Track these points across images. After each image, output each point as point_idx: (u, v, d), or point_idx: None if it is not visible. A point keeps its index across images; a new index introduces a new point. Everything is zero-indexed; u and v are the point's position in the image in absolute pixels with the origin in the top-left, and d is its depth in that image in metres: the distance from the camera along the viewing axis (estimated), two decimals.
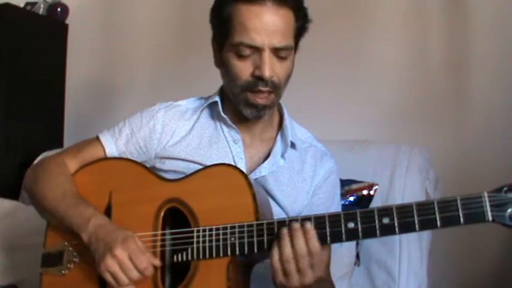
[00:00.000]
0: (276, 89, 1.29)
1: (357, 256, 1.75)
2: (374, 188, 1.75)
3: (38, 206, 1.35)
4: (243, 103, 1.31)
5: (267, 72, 1.25)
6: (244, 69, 1.28)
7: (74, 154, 1.40)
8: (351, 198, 1.73)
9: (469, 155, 2.19)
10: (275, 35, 1.25)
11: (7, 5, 2.54)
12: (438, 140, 2.19)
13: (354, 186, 1.75)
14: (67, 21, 2.80)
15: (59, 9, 2.76)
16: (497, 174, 2.09)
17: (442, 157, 2.06)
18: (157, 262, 1.17)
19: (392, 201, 1.75)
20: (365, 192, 1.74)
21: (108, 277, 1.15)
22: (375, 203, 1.74)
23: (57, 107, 2.75)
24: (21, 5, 2.72)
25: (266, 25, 1.24)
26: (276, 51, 1.27)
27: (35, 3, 2.74)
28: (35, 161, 1.48)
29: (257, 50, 1.26)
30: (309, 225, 1.09)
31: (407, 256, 1.72)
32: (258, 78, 1.27)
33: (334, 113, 2.33)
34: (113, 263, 1.14)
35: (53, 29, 2.75)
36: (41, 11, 2.73)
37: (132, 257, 1.14)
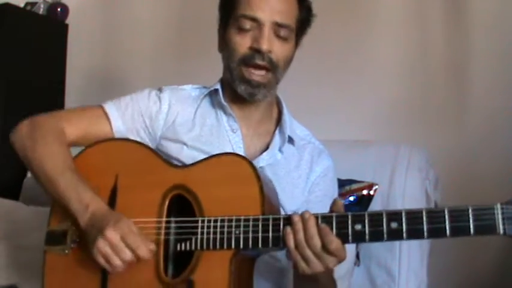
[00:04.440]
0: (274, 67, 1.30)
1: (357, 256, 1.75)
2: (374, 188, 1.75)
3: (32, 170, 1.31)
4: (238, 79, 1.31)
5: (264, 45, 1.27)
6: (243, 42, 1.30)
7: (75, 121, 1.37)
8: (351, 198, 1.73)
9: (469, 155, 2.19)
10: (277, 12, 1.29)
11: (7, 5, 2.53)
12: (438, 140, 2.19)
13: (354, 186, 1.75)
14: (67, 21, 2.80)
15: (59, 9, 2.75)
16: (497, 174, 2.09)
17: (442, 157, 2.06)
18: (152, 246, 1.15)
19: (392, 201, 1.76)
20: (365, 192, 1.74)
21: (101, 260, 1.14)
22: (375, 203, 1.74)
23: (57, 107, 2.74)
24: (21, 5, 2.72)
25: (270, 3, 1.28)
26: (277, 29, 1.29)
27: (35, 3, 2.74)
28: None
29: (258, 25, 1.28)
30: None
31: (407, 256, 1.72)
32: (255, 51, 1.28)
33: (334, 113, 2.33)
34: (104, 244, 1.12)
35: (53, 29, 2.75)
36: (41, 11, 2.73)
37: (124, 237, 1.13)
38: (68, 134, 1.35)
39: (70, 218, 1.24)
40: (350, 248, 1.67)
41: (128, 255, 1.13)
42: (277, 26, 1.29)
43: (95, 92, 2.87)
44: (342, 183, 1.69)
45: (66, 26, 2.79)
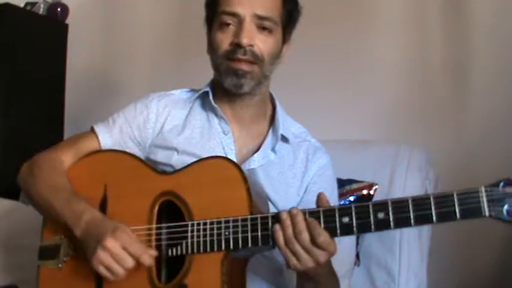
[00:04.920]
0: (258, 60, 1.29)
1: (357, 256, 1.74)
2: (374, 187, 1.75)
3: (33, 203, 1.34)
4: (224, 72, 1.31)
5: (244, 39, 1.26)
6: (224, 39, 1.30)
7: (68, 148, 1.39)
8: (351, 198, 1.73)
9: (469, 155, 2.19)
10: (258, 5, 1.28)
11: (7, 5, 2.53)
12: (438, 140, 2.19)
13: (354, 186, 1.75)
14: (67, 21, 2.79)
15: (59, 9, 2.75)
16: (497, 174, 2.07)
17: (442, 157, 2.06)
18: (152, 252, 1.16)
19: None
20: (365, 192, 1.74)
21: (102, 270, 1.14)
22: None
23: (57, 107, 2.75)
24: (21, 5, 2.72)
25: None
26: (259, 22, 1.28)
27: (35, 3, 2.74)
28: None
29: (238, 19, 1.28)
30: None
31: (407, 256, 1.72)
32: (236, 46, 1.27)
33: (334, 113, 2.33)
34: (105, 255, 1.12)
35: (53, 29, 2.74)
36: (41, 11, 2.73)
37: (125, 246, 1.13)
38: (64, 162, 1.36)
39: (63, 231, 1.26)
40: (350, 248, 1.68)
41: (130, 263, 1.13)
42: (259, 18, 1.28)
43: (95, 92, 2.88)
44: (342, 183, 1.69)
45: (66, 26, 2.78)
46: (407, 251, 1.72)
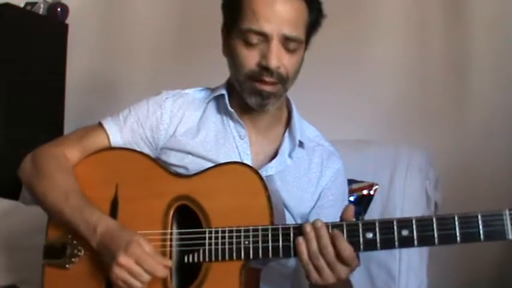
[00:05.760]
0: (283, 81, 1.25)
1: (357, 256, 1.74)
2: (374, 187, 1.75)
3: (38, 202, 1.31)
4: (247, 91, 1.26)
5: (273, 62, 1.21)
6: (250, 58, 1.24)
7: (74, 143, 1.34)
8: (351, 198, 1.73)
9: (469, 155, 2.19)
10: (286, 24, 1.22)
11: (7, 5, 2.53)
12: (438, 140, 2.19)
13: (354, 186, 1.75)
14: (67, 21, 2.79)
15: (59, 9, 2.75)
16: (497, 174, 2.09)
17: (442, 157, 2.05)
18: (167, 262, 1.14)
19: (392, 201, 1.75)
20: (365, 192, 1.74)
21: (121, 284, 1.13)
22: (375, 203, 1.74)
23: (57, 107, 2.75)
24: (21, 5, 2.72)
25: (277, 13, 1.21)
26: (285, 42, 1.23)
27: (35, 3, 2.74)
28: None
29: (265, 38, 1.22)
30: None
31: (407, 256, 1.72)
32: (264, 68, 1.22)
33: (334, 113, 2.33)
34: (120, 271, 1.11)
35: (53, 29, 2.74)
36: (41, 11, 2.73)
37: (139, 262, 1.11)
38: (70, 158, 1.32)
39: (70, 230, 1.23)
40: None
41: (146, 277, 1.12)
42: (286, 39, 1.22)
43: (95, 92, 2.87)
44: None
45: (66, 26, 2.78)
46: (407, 251, 1.71)
